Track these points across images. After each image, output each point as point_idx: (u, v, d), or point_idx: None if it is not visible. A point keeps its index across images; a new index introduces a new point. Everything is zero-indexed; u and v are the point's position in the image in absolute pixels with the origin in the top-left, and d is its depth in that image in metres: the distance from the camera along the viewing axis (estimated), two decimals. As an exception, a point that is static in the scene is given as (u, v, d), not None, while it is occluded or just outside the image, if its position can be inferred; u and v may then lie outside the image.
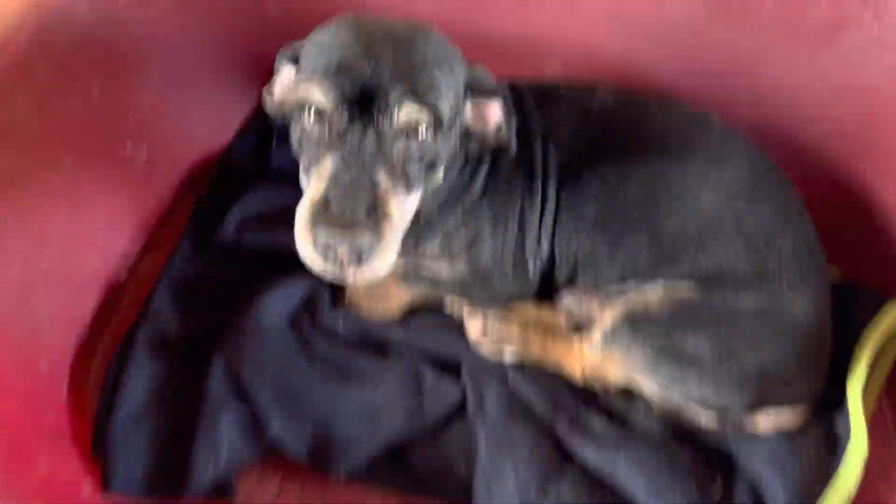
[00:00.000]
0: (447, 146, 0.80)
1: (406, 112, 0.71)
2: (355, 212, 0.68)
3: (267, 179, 1.18)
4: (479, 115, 0.83)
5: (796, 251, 0.91)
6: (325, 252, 0.69)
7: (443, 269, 0.99)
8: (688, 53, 1.10)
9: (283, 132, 1.17)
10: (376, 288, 1.06)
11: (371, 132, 0.71)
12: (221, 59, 1.15)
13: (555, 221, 0.95)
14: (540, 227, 0.95)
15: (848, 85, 1.03)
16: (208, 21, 1.09)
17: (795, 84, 1.07)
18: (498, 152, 0.91)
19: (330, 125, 0.72)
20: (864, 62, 1.00)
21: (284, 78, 0.84)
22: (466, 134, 0.85)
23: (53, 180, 0.94)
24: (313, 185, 0.72)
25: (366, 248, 0.68)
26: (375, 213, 0.69)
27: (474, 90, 0.80)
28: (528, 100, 0.95)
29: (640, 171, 0.92)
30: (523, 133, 0.91)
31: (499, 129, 0.84)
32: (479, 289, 1.00)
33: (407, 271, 1.03)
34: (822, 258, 0.95)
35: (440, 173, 0.81)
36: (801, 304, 0.89)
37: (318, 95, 0.70)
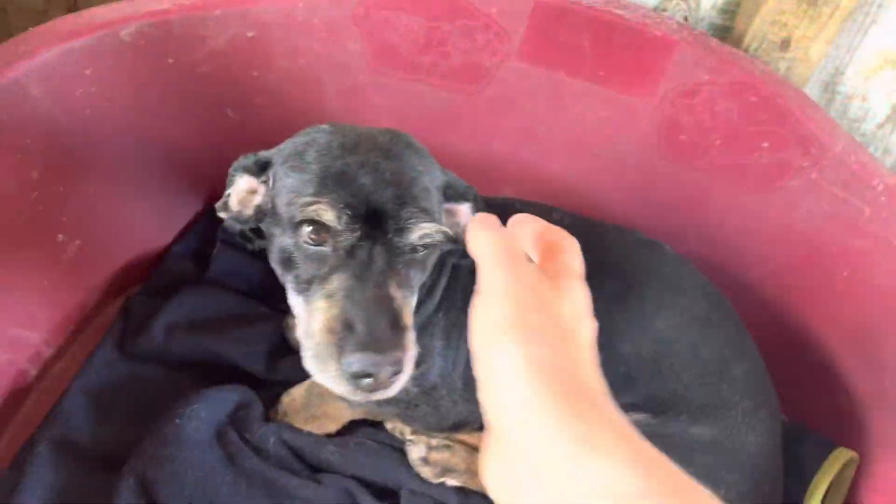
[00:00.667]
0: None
1: (421, 232, 0.70)
2: (384, 332, 0.65)
3: (202, 286, 1.12)
4: (451, 217, 0.83)
5: (750, 382, 0.90)
6: (358, 378, 0.64)
7: None
8: (639, 185, 1.14)
9: (227, 240, 1.15)
10: (315, 405, 0.99)
11: (379, 248, 0.69)
12: (171, 160, 1.12)
13: None
14: None
15: (789, 227, 1.07)
16: (163, 120, 1.07)
17: (739, 224, 1.11)
18: (457, 266, 0.89)
19: (336, 242, 0.69)
20: (804, 206, 1.05)
21: (242, 188, 0.81)
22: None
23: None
24: (323, 307, 0.68)
25: (402, 366, 0.66)
26: (398, 329, 0.66)
27: (447, 194, 0.80)
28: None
29: (598, 294, 0.91)
30: None
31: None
32: (425, 410, 0.94)
33: None
34: (773, 392, 0.94)
35: (426, 274, 0.79)
36: (754, 437, 0.87)
37: (329, 216, 0.68)
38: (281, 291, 1.07)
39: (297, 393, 1.00)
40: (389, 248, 0.70)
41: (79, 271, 1.04)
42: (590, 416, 0.43)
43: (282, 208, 0.74)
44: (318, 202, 0.68)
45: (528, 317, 0.47)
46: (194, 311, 1.07)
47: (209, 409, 0.95)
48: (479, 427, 0.97)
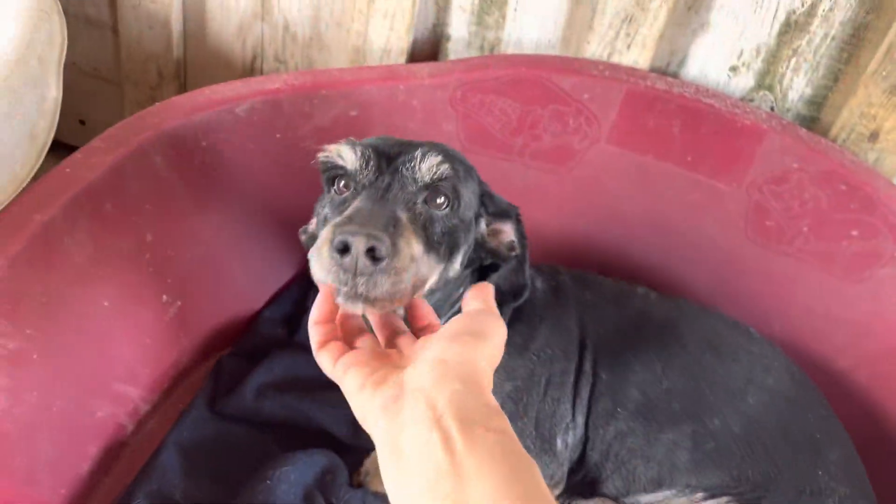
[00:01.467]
0: (466, 237, 0.79)
1: (430, 163, 0.73)
2: (375, 221, 0.65)
3: (291, 349, 1.15)
4: (493, 233, 0.86)
5: (846, 469, 0.88)
6: (341, 254, 0.62)
7: None
8: (724, 269, 1.14)
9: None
10: None
11: (396, 185, 0.72)
12: (270, 228, 1.18)
13: (590, 398, 0.92)
14: (574, 399, 0.91)
15: (879, 316, 1.06)
16: (266, 190, 1.13)
17: (826, 311, 1.11)
18: (519, 308, 0.91)
19: (356, 183, 0.74)
20: (894, 297, 1.04)
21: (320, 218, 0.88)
22: (482, 245, 0.85)
23: (88, 315, 0.92)
24: (331, 222, 0.69)
25: (382, 249, 0.62)
26: (394, 231, 0.66)
27: (488, 208, 0.83)
28: (564, 276, 0.98)
29: (685, 364, 0.92)
30: (556, 293, 0.93)
31: (511, 248, 0.86)
32: None
33: None
34: (868, 482, 0.92)
35: (457, 262, 0.79)
36: None
37: (346, 152, 0.73)
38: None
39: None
40: (403, 182, 0.72)
41: (177, 331, 1.09)
42: None
43: (324, 194, 0.80)
44: (339, 145, 0.74)
45: None
46: (284, 374, 1.10)
47: (298, 471, 0.96)
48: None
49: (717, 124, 1.06)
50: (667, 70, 1.14)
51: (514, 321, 0.93)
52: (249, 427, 1.06)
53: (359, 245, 0.62)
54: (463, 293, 0.86)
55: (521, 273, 0.88)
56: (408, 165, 0.73)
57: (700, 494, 0.87)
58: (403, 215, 0.69)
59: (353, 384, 0.59)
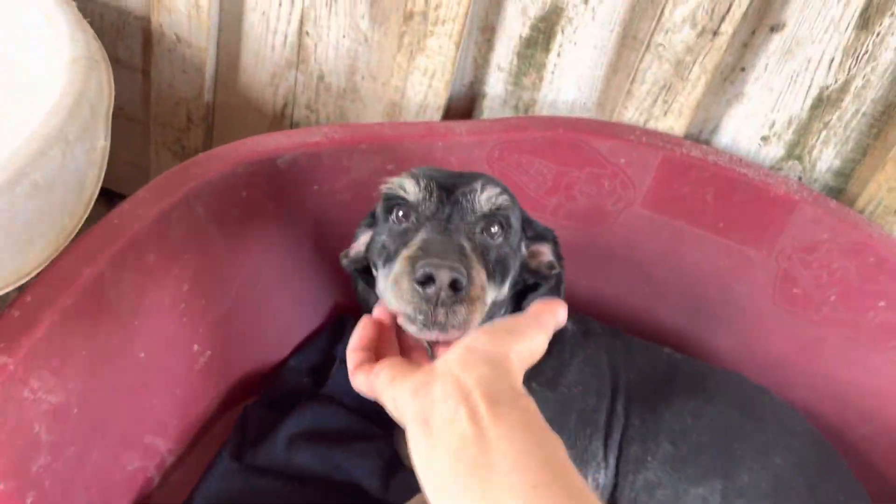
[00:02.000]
0: (514, 262, 0.82)
1: (488, 195, 0.77)
2: (452, 255, 0.68)
3: (319, 399, 1.14)
4: (532, 254, 0.90)
5: None
6: (423, 287, 0.65)
7: None
8: (750, 334, 1.16)
9: (345, 358, 1.18)
10: None
11: (456, 216, 0.76)
12: (300, 278, 1.17)
13: (622, 441, 0.93)
14: (606, 439, 0.92)
15: (903, 388, 1.09)
16: (300, 241, 1.13)
17: (850, 380, 1.13)
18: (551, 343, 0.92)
19: (417, 214, 0.77)
20: (919, 369, 1.07)
21: (362, 241, 0.92)
22: (525, 267, 0.88)
23: (126, 367, 0.90)
24: (403, 254, 0.71)
25: (462, 280, 0.65)
26: (466, 262, 0.69)
27: (527, 232, 0.87)
28: (594, 324, 1.01)
29: (713, 418, 0.93)
30: (586, 336, 0.97)
31: (551, 267, 0.90)
32: None
33: None
34: None
35: (507, 286, 0.82)
36: None
37: (409, 185, 0.77)
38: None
39: None
40: (463, 212, 0.76)
41: (206, 381, 1.07)
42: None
43: (377, 212, 0.84)
44: (401, 178, 0.78)
45: None
46: (315, 424, 1.09)
47: (330, 532, 0.95)
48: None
49: (749, 193, 1.08)
50: (699, 137, 1.17)
51: (545, 355, 0.94)
52: (278, 479, 1.04)
53: (443, 277, 0.65)
54: (504, 314, 0.91)
55: (557, 293, 0.92)
56: (468, 197, 0.77)
57: None
58: (467, 245, 0.73)
59: (385, 380, 0.60)
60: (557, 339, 0.95)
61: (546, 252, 0.92)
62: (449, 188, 0.78)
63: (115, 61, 1.31)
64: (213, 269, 1.03)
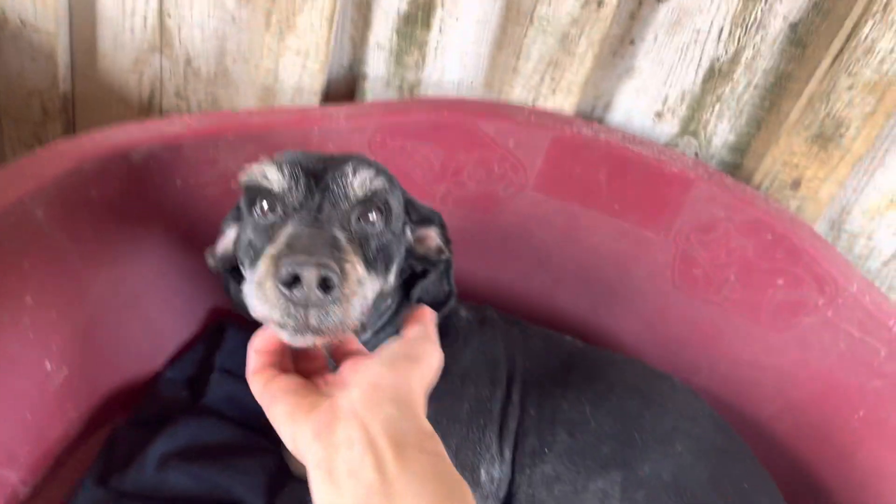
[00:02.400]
0: (398, 248, 0.76)
1: (361, 178, 0.69)
2: (322, 249, 0.61)
3: (197, 414, 1.05)
4: (419, 239, 0.84)
5: None
6: (289, 289, 0.58)
7: None
8: (652, 318, 1.12)
9: (226, 367, 1.09)
10: None
11: (328, 204, 0.68)
12: (170, 283, 1.07)
13: (517, 433, 0.87)
14: (502, 430, 0.87)
15: (804, 365, 1.06)
16: (167, 242, 1.03)
17: (752, 360, 1.10)
18: (443, 330, 0.87)
19: (284, 204, 0.69)
20: (819, 344, 1.04)
21: (230, 238, 0.84)
22: (411, 253, 0.83)
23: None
24: (268, 253, 0.63)
25: (334, 278, 0.58)
26: (339, 256, 0.61)
27: (412, 216, 0.81)
28: (492, 312, 0.96)
29: (613, 407, 0.90)
30: (482, 323, 0.92)
31: (440, 252, 0.85)
32: None
33: None
34: None
35: (392, 275, 0.76)
36: None
37: (271, 172, 0.69)
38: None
39: None
40: (335, 200, 0.68)
41: (63, 402, 0.97)
42: None
43: (241, 225, 0.76)
44: (263, 165, 0.70)
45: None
46: (190, 441, 1.00)
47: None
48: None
49: (644, 172, 1.04)
50: (592, 115, 1.11)
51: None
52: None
53: (310, 276, 0.57)
54: (391, 304, 0.85)
55: (447, 279, 0.87)
56: (340, 182, 0.69)
57: None
58: (342, 237, 0.65)
59: (283, 412, 0.57)
60: (452, 326, 0.91)
61: (433, 236, 0.85)
62: (317, 174, 0.70)
63: (-42, 49, 1.18)
64: (62, 278, 0.92)
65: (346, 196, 0.69)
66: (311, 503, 0.85)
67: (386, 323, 0.87)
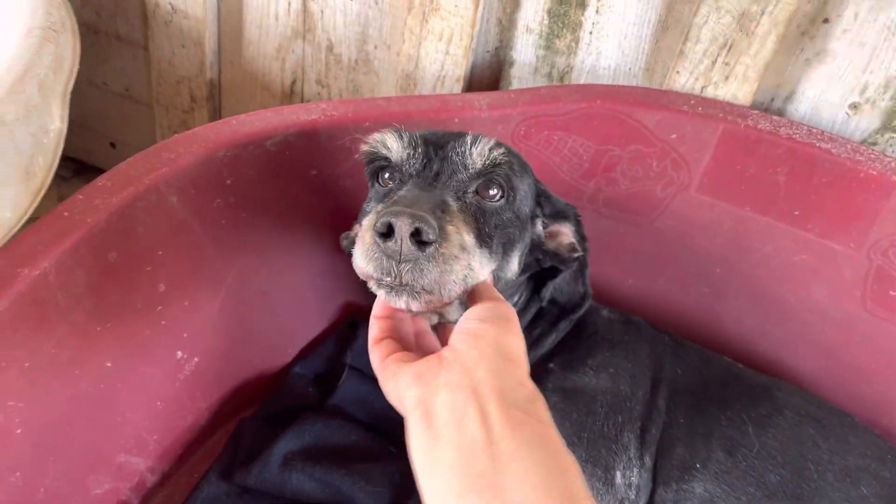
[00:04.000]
0: (521, 234, 0.73)
1: (481, 148, 0.67)
2: (422, 205, 0.59)
3: (324, 413, 1.01)
4: (551, 235, 0.80)
5: None
6: (384, 238, 0.57)
7: None
8: (833, 344, 0.96)
9: (356, 366, 1.05)
10: None
11: (445, 173, 0.67)
12: (301, 276, 1.04)
13: (662, 440, 0.79)
14: (643, 434, 0.79)
15: None
16: (299, 234, 1.00)
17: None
18: (580, 325, 0.85)
19: (402, 173, 0.69)
20: None
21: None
22: (539, 247, 0.78)
23: (87, 379, 0.79)
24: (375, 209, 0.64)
25: (429, 232, 0.56)
26: (442, 215, 0.60)
27: (544, 208, 0.77)
28: (640, 319, 0.91)
29: (783, 432, 0.79)
30: (627, 325, 0.88)
31: (572, 249, 0.78)
32: None
33: None
34: None
35: (514, 262, 0.73)
36: None
37: (390, 140, 0.68)
38: (404, 427, 0.96)
39: None
40: (453, 169, 0.67)
41: (193, 391, 0.96)
42: None
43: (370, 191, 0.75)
44: (384, 133, 0.70)
45: None
46: (316, 441, 0.96)
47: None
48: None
49: (833, 173, 0.88)
50: (770, 106, 0.97)
51: (571, 336, 0.86)
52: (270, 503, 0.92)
53: (403, 226, 0.56)
54: (519, 301, 0.81)
55: (581, 280, 0.83)
56: (458, 151, 0.67)
57: None
58: (453, 203, 0.64)
59: (392, 367, 0.57)
60: (591, 324, 0.86)
61: (567, 232, 0.80)
62: (438, 143, 0.69)
63: (117, 37, 1.21)
64: (196, 266, 0.91)
65: (465, 165, 0.67)
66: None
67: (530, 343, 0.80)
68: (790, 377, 0.97)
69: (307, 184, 0.96)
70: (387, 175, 0.71)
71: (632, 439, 0.79)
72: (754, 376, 0.88)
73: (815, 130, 0.90)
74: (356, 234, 0.85)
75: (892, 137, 0.94)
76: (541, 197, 0.78)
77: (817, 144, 0.88)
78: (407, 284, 0.58)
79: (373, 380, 1.05)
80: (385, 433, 1.02)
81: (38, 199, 0.78)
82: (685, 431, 0.80)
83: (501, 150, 0.68)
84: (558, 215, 0.79)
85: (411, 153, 0.68)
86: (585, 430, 0.78)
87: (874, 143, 0.95)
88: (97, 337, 0.80)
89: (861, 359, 0.95)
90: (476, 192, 0.68)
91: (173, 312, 0.89)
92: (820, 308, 0.95)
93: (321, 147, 0.95)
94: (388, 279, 0.58)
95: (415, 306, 0.60)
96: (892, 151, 0.95)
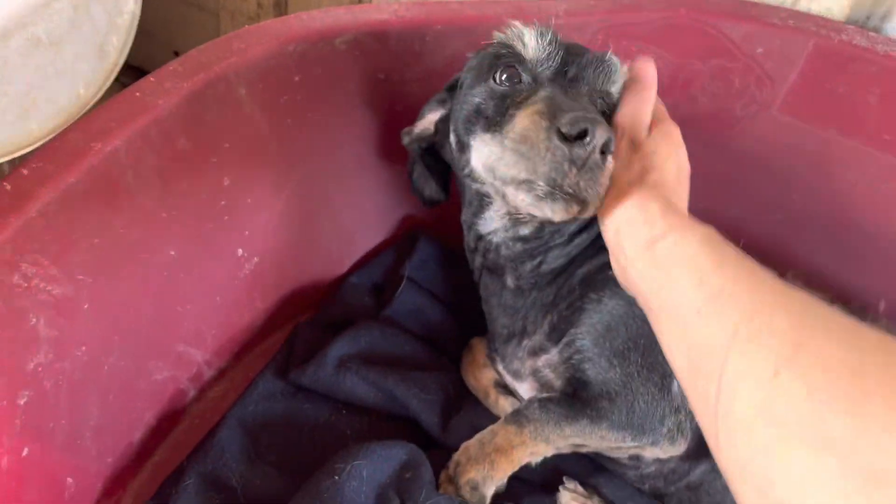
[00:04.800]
0: None
1: (618, 72, 0.67)
2: (591, 111, 0.60)
3: (379, 322, 1.01)
4: None
5: None
6: (572, 142, 0.56)
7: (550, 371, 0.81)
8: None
9: (414, 277, 1.04)
10: (487, 441, 0.83)
11: (580, 83, 0.66)
12: (363, 182, 1.03)
13: None
14: None
15: None
16: (362, 139, 0.98)
17: None
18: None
19: (535, 74, 0.66)
20: None
21: (430, 119, 0.83)
22: None
23: (152, 264, 0.80)
24: (525, 111, 0.61)
25: (613, 145, 0.58)
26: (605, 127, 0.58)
27: None
28: None
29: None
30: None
31: None
32: (601, 405, 0.76)
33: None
34: None
35: None
36: None
37: (529, 38, 0.65)
38: (458, 341, 0.94)
39: (470, 443, 0.85)
40: (591, 82, 0.66)
41: (252, 291, 0.96)
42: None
43: (470, 81, 0.72)
44: (518, 27, 0.66)
45: None
46: (370, 347, 0.96)
47: (373, 466, 0.81)
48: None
49: (931, 95, 0.83)
50: (866, 23, 0.91)
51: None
52: (323, 404, 0.92)
53: (600, 136, 0.56)
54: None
55: None
56: (595, 65, 0.66)
57: None
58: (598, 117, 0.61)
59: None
60: None
61: None
62: (574, 51, 0.67)
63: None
64: (260, 163, 0.90)
65: (599, 83, 0.66)
66: (483, 427, 0.78)
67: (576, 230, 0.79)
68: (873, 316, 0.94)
69: (375, 88, 0.94)
70: (508, 74, 0.67)
71: None
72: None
73: (915, 49, 0.85)
74: (421, 130, 0.84)
75: None
76: None
77: (918, 63, 0.83)
78: (572, 190, 0.57)
79: (429, 293, 1.05)
80: (440, 346, 1.02)
81: (111, 79, 0.78)
82: None
83: (624, 72, 0.68)
84: None
85: (550, 54, 0.65)
86: (643, 336, 0.76)
87: (978, 67, 0.89)
88: (163, 223, 0.80)
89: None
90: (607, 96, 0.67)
91: (236, 208, 0.89)
92: None
93: (391, 50, 0.92)
94: (553, 182, 0.57)
95: (560, 216, 0.60)
96: None
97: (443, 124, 0.79)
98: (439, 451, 0.88)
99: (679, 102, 0.93)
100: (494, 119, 0.65)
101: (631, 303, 0.78)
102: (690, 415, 0.76)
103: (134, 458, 0.84)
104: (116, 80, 0.88)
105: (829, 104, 0.87)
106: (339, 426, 0.91)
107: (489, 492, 0.81)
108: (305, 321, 1.02)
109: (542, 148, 0.56)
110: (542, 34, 0.65)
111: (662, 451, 0.78)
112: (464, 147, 0.71)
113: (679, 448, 0.77)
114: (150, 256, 0.80)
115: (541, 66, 0.66)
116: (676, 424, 0.76)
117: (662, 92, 0.93)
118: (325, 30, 0.88)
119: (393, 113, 0.97)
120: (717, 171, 0.96)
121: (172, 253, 0.82)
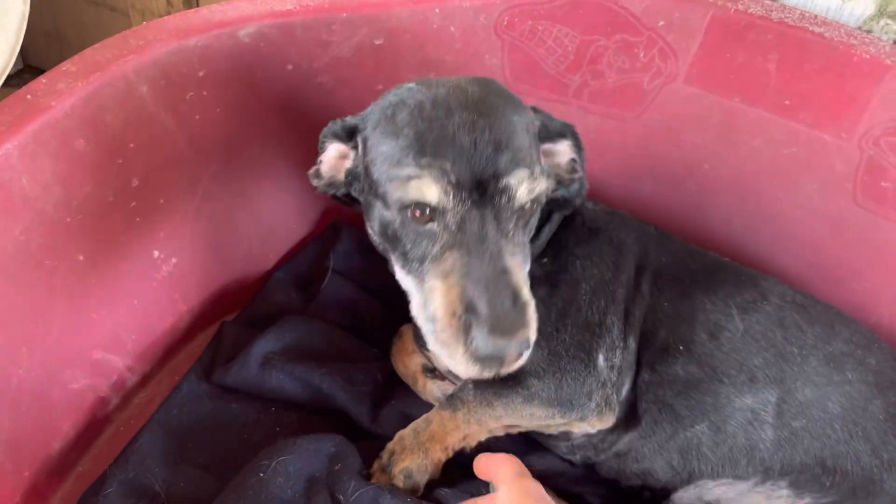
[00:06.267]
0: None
1: (526, 190, 0.65)
2: (508, 313, 0.61)
3: (305, 316, 1.00)
4: (550, 157, 0.78)
5: None
6: (487, 361, 0.61)
7: None
8: (823, 239, 0.96)
9: (339, 269, 1.03)
10: (422, 430, 0.83)
11: (489, 217, 0.64)
12: (281, 176, 1.02)
13: (644, 323, 0.81)
14: (626, 317, 0.80)
15: None
16: (277, 133, 0.97)
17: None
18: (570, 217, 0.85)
19: (444, 220, 0.65)
20: None
21: (331, 156, 0.79)
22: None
23: (58, 272, 0.78)
24: (441, 288, 0.64)
25: (527, 351, 0.62)
26: (520, 306, 0.62)
27: (541, 135, 0.75)
28: (626, 213, 0.91)
29: (767, 316, 0.79)
30: (612, 215, 0.88)
31: (572, 170, 0.79)
32: (531, 384, 0.78)
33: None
34: None
35: (533, 228, 0.76)
36: None
37: (434, 193, 0.64)
38: (387, 329, 0.93)
39: (405, 433, 0.85)
40: (498, 214, 0.65)
41: (172, 292, 0.95)
42: None
43: (379, 177, 0.69)
44: (420, 177, 0.64)
45: None
46: (296, 342, 0.95)
47: (299, 461, 0.81)
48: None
49: (825, 59, 0.85)
50: (763, -7, 0.93)
51: (560, 228, 0.86)
52: (250, 403, 0.91)
53: (511, 358, 0.61)
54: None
55: (578, 194, 0.82)
56: (505, 195, 0.65)
57: (785, 490, 0.75)
58: (510, 261, 0.64)
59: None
60: (577, 214, 0.86)
61: (563, 150, 0.78)
62: (480, 184, 0.64)
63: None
64: (170, 162, 0.88)
65: (511, 208, 0.66)
66: (416, 416, 0.79)
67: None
68: (778, 275, 0.96)
69: (283, 79, 0.93)
70: (425, 212, 0.66)
71: (615, 322, 0.79)
72: (740, 268, 0.87)
73: (807, 14, 0.87)
74: (329, 176, 0.81)
75: (888, 24, 0.90)
76: (540, 131, 0.74)
77: (810, 28, 0.85)
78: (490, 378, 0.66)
79: (355, 284, 1.04)
80: (368, 336, 1.01)
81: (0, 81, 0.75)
82: (669, 315, 0.81)
83: (541, 182, 0.67)
84: (556, 136, 0.77)
85: (456, 204, 0.64)
86: (569, 316, 0.78)
87: (869, 31, 0.92)
88: (68, 228, 0.78)
89: (850, 253, 0.93)
90: (516, 222, 0.67)
91: (148, 209, 0.87)
92: (810, 203, 0.93)
93: (297, 40, 0.91)
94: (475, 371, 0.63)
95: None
96: (888, 38, 0.91)
97: (354, 179, 0.77)
98: (370, 441, 0.88)
99: (587, 79, 0.94)
100: (413, 255, 0.67)
101: (554, 286, 0.79)
102: (616, 388, 0.78)
103: (55, 471, 0.82)
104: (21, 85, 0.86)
105: (730, 73, 0.89)
106: (268, 424, 0.89)
107: (423, 480, 0.81)
108: (231, 320, 1.01)
109: (463, 360, 0.62)
110: (444, 187, 0.64)
111: (590, 425, 0.79)
112: (384, 244, 0.73)
113: (607, 422, 0.79)
114: (55, 263, 0.78)
115: (449, 214, 0.65)
116: (604, 398, 0.77)
117: (570, 68, 0.94)
118: (227, 22, 0.87)
119: (305, 104, 0.96)
120: (627, 144, 0.98)
121: (81, 258, 0.80)
